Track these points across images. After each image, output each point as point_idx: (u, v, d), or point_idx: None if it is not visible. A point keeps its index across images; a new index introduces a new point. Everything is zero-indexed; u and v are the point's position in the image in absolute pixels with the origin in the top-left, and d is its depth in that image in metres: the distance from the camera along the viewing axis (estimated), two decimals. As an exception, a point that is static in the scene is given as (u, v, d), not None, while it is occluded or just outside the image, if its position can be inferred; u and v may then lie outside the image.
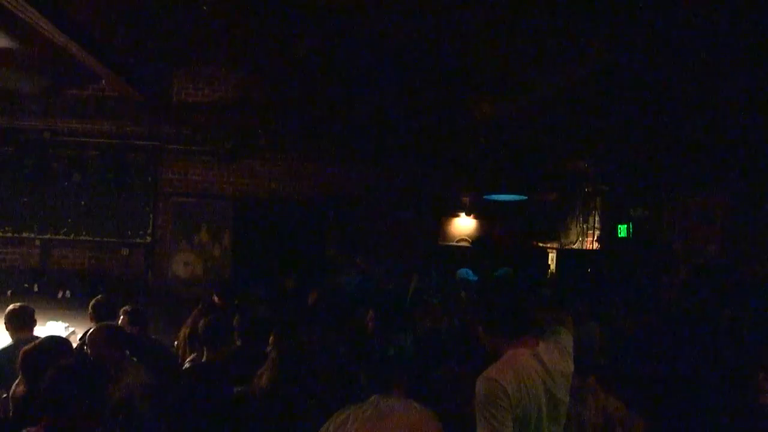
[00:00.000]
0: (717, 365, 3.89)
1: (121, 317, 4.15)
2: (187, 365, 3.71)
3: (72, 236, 8.84)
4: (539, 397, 2.02)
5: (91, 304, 4.22)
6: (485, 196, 9.11)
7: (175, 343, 4.77)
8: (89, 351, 3.36)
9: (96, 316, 4.06)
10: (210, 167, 9.05)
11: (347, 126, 8.57)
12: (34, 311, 3.90)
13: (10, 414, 2.83)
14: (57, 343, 3.05)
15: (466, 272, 6.04)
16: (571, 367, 2.20)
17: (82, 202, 8.85)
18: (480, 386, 1.98)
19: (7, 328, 3.79)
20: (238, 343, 3.85)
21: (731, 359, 3.91)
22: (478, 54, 6.44)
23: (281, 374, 3.01)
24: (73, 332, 5.20)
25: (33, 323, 3.85)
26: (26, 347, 2.90)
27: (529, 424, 2.00)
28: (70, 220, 8.82)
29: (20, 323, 3.76)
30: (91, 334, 3.41)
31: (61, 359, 2.51)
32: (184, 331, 4.57)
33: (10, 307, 3.84)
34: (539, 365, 2.06)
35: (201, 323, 3.63)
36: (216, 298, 5.13)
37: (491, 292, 2.21)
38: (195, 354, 3.79)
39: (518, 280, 6.30)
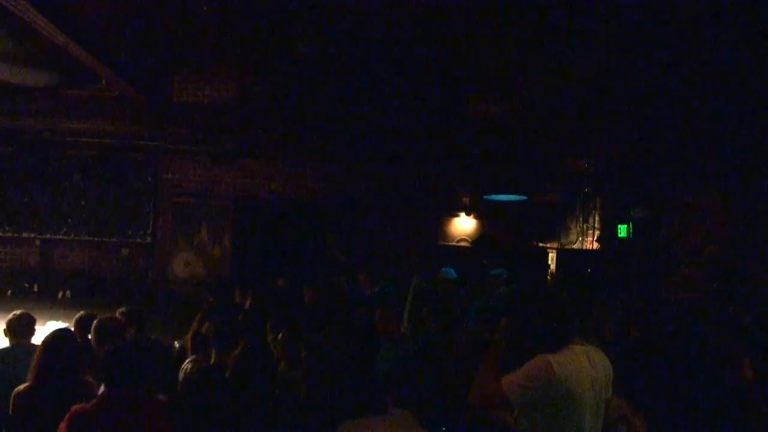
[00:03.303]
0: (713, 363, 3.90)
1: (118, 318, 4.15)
2: (188, 366, 3.69)
3: (72, 236, 8.84)
4: (586, 393, 2.12)
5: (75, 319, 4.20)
6: (485, 196, 9.10)
7: (176, 344, 4.77)
8: (96, 344, 3.43)
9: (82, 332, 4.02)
10: (210, 167, 9.05)
11: (347, 126, 8.56)
12: (35, 320, 3.90)
13: (10, 411, 2.85)
14: (70, 334, 3.23)
15: (447, 271, 6.16)
16: (610, 372, 2.30)
17: (82, 202, 8.86)
18: (539, 362, 2.10)
19: (6, 334, 3.79)
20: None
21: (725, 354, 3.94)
22: (478, 54, 6.44)
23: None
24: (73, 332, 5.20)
25: (33, 331, 3.84)
26: (45, 338, 3.04)
27: (573, 416, 2.09)
28: (70, 220, 8.82)
29: (21, 330, 3.76)
30: (98, 323, 3.51)
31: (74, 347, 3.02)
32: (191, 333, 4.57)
33: (12, 314, 3.84)
34: (588, 362, 2.18)
35: (207, 325, 3.63)
36: (210, 299, 5.15)
37: (532, 308, 2.27)
38: (195, 356, 3.77)
39: (510, 280, 6.37)
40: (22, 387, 2.87)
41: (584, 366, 2.14)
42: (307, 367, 3.47)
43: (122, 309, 4.24)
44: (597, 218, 9.34)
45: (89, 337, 3.80)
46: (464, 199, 9.59)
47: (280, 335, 3.92)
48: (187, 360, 3.80)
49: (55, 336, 3.08)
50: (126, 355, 2.53)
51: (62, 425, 2.38)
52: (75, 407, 2.42)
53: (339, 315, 4.97)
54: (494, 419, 2.64)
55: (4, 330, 3.82)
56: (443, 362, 3.73)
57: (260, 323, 4.35)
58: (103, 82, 7.60)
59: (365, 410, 2.33)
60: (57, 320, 5.59)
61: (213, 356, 3.43)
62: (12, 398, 2.84)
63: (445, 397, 3.05)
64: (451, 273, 6.19)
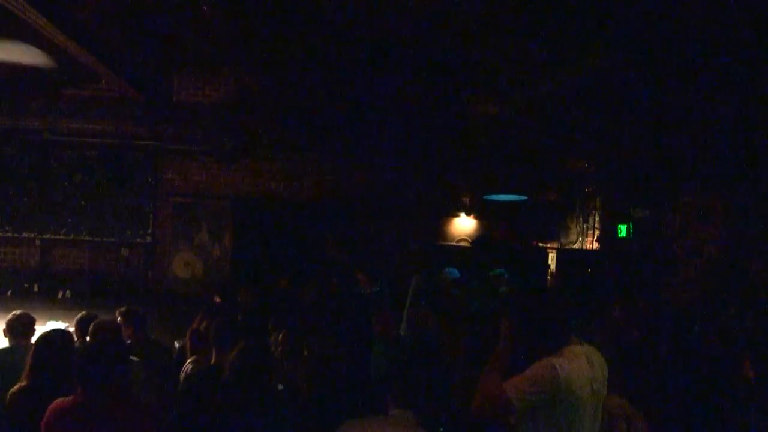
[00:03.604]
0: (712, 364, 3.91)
1: (118, 318, 4.16)
2: (189, 366, 3.69)
3: (72, 236, 8.84)
4: (585, 392, 2.11)
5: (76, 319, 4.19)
6: (485, 196, 9.10)
7: (176, 344, 4.77)
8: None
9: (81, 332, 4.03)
10: (210, 167, 9.05)
11: (347, 126, 8.57)
12: (35, 320, 3.91)
13: (5, 409, 2.85)
14: (63, 334, 3.19)
15: (450, 271, 6.16)
16: (606, 370, 2.28)
17: (82, 202, 8.86)
18: (544, 367, 2.07)
19: (5, 334, 3.80)
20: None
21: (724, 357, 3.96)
22: (478, 54, 6.44)
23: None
24: (73, 332, 5.20)
25: (33, 332, 3.86)
26: (38, 338, 3.05)
27: (575, 417, 2.09)
28: (70, 220, 8.82)
29: (20, 330, 3.77)
30: (94, 326, 3.50)
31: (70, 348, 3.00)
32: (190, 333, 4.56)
33: (12, 314, 3.85)
34: (587, 362, 2.17)
35: (207, 324, 3.63)
36: (217, 298, 5.15)
37: (531, 307, 2.27)
38: (196, 356, 3.77)
39: (511, 280, 6.37)
40: (16, 387, 2.88)
41: (584, 367, 2.14)
42: (310, 367, 3.48)
43: (121, 309, 4.25)
44: (597, 218, 9.34)
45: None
46: (464, 199, 9.59)
47: (280, 336, 3.93)
48: (189, 360, 3.80)
49: (48, 336, 3.09)
50: (94, 356, 2.51)
51: (44, 419, 2.41)
52: (54, 402, 2.45)
53: (333, 315, 4.97)
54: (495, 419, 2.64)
55: (4, 330, 3.83)
56: (443, 362, 3.74)
57: (262, 323, 4.36)
58: (103, 82, 7.61)
59: (365, 410, 2.33)
60: (57, 320, 5.58)
61: (213, 356, 3.43)
62: (8, 398, 2.85)
63: (445, 396, 3.06)
64: (455, 273, 6.17)
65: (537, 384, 2.04)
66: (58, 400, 2.46)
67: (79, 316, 4.16)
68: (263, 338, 3.98)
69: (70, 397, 2.46)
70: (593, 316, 4.99)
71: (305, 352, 3.59)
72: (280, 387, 3.26)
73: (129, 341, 4.03)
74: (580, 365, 2.12)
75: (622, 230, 8.27)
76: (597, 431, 2.21)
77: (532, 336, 2.22)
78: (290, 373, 3.53)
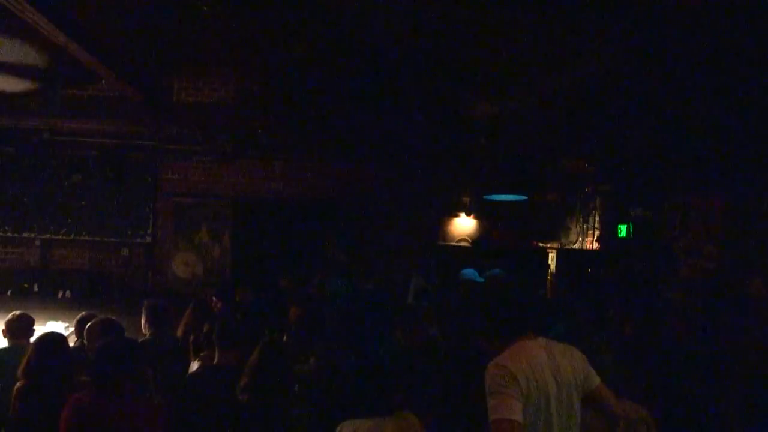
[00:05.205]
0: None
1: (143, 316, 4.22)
2: (195, 367, 3.69)
3: (72, 236, 8.84)
4: (547, 386, 2.04)
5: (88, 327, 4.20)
6: (485, 196, 9.10)
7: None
8: (87, 344, 3.47)
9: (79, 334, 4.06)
10: (210, 167, 9.05)
11: (347, 126, 8.56)
12: (34, 320, 3.93)
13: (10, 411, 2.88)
14: (57, 336, 3.25)
15: (471, 273, 5.90)
16: (583, 361, 2.21)
17: (82, 202, 8.85)
18: (490, 374, 2.01)
19: (5, 334, 3.82)
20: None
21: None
22: (478, 54, 6.44)
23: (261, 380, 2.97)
24: (73, 332, 5.20)
25: (32, 332, 3.88)
26: (36, 339, 3.15)
27: (539, 412, 2.02)
28: (70, 220, 8.82)
29: (19, 331, 3.79)
30: (89, 326, 3.55)
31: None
32: (179, 333, 4.55)
33: (12, 314, 3.87)
34: (546, 354, 2.10)
35: (209, 324, 3.64)
36: (215, 300, 5.13)
37: (482, 297, 2.24)
38: (203, 355, 3.76)
39: (508, 280, 6.22)
40: (18, 385, 2.92)
41: (541, 359, 2.09)
42: (317, 370, 3.46)
43: (146, 302, 4.30)
44: (597, 218, 9.34)
45: None
46: (464, 199, 9.59)
47: (284, 337, 3.92)
48: (198, 364, 3.80)
49: (45, 338, 3.12)
50: (112, 352, 2.65)
51: (64, 412, 2.48)
52: (73, 397, 2.54)
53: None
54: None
55: (3, 330, 3.84)
56: (446, 365, 3.73)
57: (262, 323, 4.36)
58: (103, 82, 7.60)
59: (368, 411, 2.32)
60: (57, 320, 5.59)
61: (216, 357, 3.43)
62: (16, 393, 2.89)
63: (449, 399, 3.05)
64: (472, 275, 5.89)
65: (506, 392, 1.96)
66: (76, 395, 2.56)
67: (79, 316, 4.17)
68: (278, 340, 3.96)
69: (87, 393, 2.57)
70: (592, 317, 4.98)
71: (312, 360, 3.56)
72: (296, 388, 3.26)
73: (150, 335, 4.08)
74: (532, 355, 2.06)
75: (622, 230, 8.27)
76: (575, 426, 2.14)
77: (483, 329, 2.20)
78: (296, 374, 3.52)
